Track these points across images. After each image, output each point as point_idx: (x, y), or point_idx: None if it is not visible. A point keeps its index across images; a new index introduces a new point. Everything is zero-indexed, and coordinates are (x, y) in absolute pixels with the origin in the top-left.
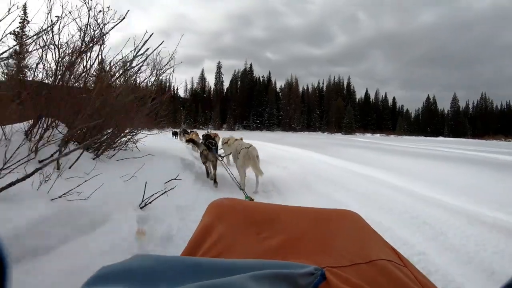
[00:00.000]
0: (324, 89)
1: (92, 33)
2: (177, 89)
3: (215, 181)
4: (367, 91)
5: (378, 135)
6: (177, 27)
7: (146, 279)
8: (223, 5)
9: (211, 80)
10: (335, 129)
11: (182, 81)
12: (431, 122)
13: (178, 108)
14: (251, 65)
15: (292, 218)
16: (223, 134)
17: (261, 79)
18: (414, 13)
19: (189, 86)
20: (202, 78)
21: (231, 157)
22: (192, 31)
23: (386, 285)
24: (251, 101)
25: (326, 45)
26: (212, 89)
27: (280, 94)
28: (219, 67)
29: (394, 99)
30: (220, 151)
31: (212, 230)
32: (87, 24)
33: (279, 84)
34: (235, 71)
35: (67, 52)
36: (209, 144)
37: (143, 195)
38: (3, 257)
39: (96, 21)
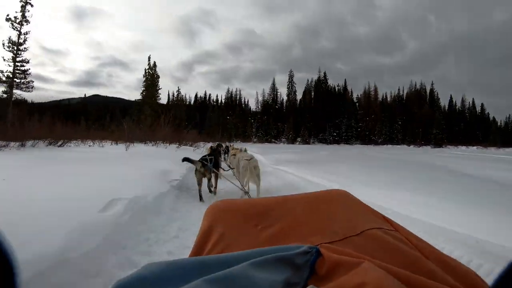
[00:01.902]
0: (404, 97)
1: None
2: (247, 101)
3: (200, 198)
4: (451, 97)
5: (475, 147)
6: (246, 42)
7: (157, 284)
8: (289, 18)
9: (282, 93)
10: (422, 142)
11: (252, 95)
12: None
13: (249, 120)
14: (325, 73)
15: (286, 206)
16: (292, 149)
17: (336, 88)
18: (487, 10)
19: (260, 99)
20: (273, 89)
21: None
22: (260, 45)
23: (377, 249)
24: (327, 112)
25: (397, 53)
26: (284, 100)
27: (357, 104)
28: (291, 76)
29: (482, 105)
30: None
31: (212, 231)
32: None
33: (355, 94)
34: (308, 81)
35: None
36: (204, 160)
37: None
38: (11, 261)
39: None
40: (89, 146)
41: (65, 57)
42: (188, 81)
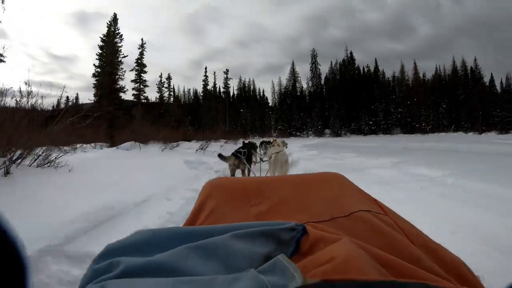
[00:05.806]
0: (446, 77)
1: None
2: (262, 91)
3: None
4: (492, 76)
5: None
6: (254, 36)
7: (143, 249)
8: (296, 8)
9: (299, 84)
10: (484, 128)
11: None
12: None
13: (267, 112)
14: (351, 53)
15: (278, 185)
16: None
17: (365, 69)
18: None
19: (276, 88)
20: (293, 73)
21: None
22: (269, 39)
23: (363, 231)
24: (357, 97)
25: (409, 39)
26: (304, 88)
27: (389, 87)
28: (314, 56)
29: None
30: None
31: (205, 205)
32: None
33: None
34: (331, 63)
35: None
36: (238, 154)
37: None
38: (22, 257)
39: None
40: None
41: (74, 63)
42: (197, 79)
